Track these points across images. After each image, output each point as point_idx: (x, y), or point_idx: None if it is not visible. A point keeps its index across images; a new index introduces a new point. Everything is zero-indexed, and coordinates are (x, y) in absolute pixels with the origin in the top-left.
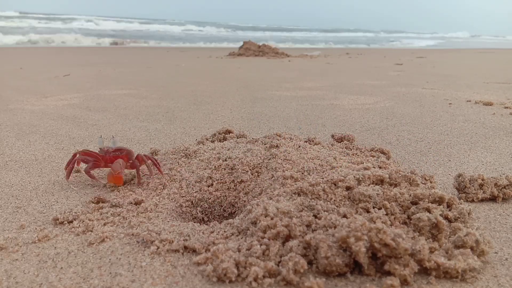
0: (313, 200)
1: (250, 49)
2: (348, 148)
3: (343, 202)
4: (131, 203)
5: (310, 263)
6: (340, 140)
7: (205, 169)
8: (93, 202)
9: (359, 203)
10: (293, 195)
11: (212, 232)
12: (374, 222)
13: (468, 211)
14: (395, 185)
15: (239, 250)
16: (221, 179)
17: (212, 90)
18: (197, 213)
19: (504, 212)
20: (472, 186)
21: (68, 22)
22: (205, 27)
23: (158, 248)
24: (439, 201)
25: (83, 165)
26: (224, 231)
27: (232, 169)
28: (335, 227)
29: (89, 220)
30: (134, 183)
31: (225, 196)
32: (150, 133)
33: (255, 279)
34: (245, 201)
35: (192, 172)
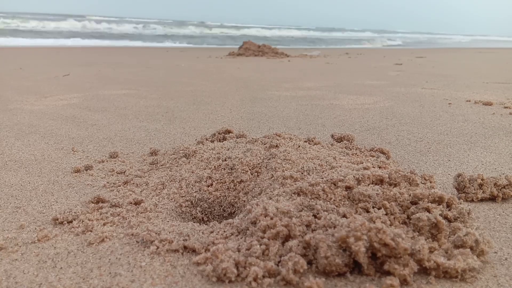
0: (312, 200)
1: (250, 49)
2: (348, 148)
3: (343, 202)
4: (131, 203)
5: (309, 263)
6: (339, 140)
7: (205, 169)
8: (92, 202)
9: (359, 203)
10: (293, 195)
11: (211, 232)
12: (374, 222)
13: (468, 211)
14: (395, 185)
15: (238, 250)
16: (220, 179)
17: (212, 90)
18: (197, 213)
19: (503, 212)
20: (472, 186)
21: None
22: (204, 27)
23: (157, 248)
24: (439, 201)
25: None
26: (224, 231)
27: (231, 169)
28: (334, 227)
29: (89, 220)
30: (134, 183)
31: (225, 196)
32: (150, 133)
33: (255, 279)
34: (244, 201)
35: (192, 172)
